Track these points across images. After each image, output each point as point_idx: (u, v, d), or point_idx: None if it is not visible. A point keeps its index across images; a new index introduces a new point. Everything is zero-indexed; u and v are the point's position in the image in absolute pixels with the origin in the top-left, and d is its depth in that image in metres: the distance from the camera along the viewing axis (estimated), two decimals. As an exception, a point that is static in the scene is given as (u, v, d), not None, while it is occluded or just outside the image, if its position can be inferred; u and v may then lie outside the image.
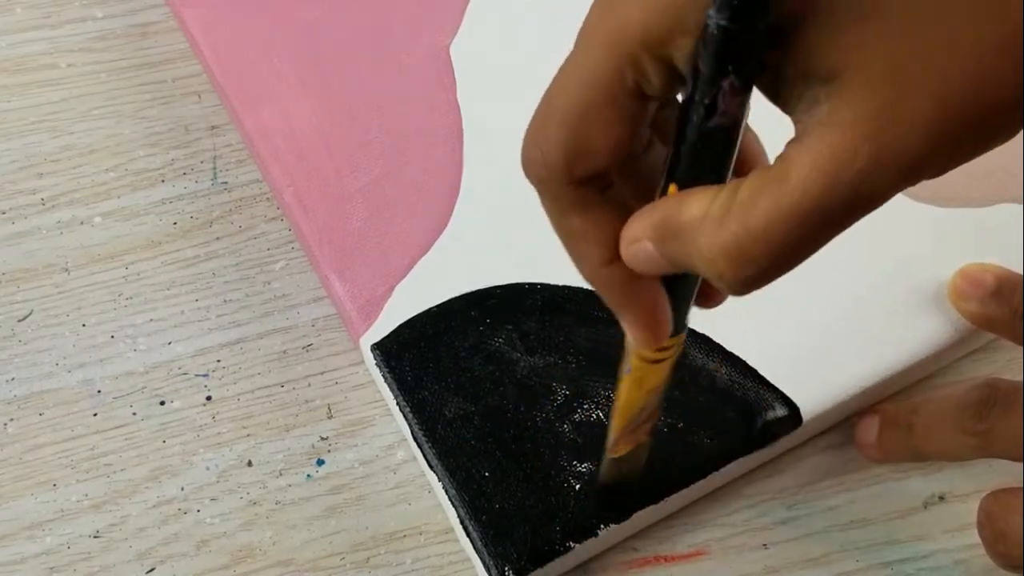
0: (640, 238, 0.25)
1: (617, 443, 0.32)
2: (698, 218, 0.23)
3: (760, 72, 0.23)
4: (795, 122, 0.23)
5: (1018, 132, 0.23)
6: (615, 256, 0.26)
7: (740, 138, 0.24)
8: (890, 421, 0.37)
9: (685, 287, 0.27)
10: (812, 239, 0.22)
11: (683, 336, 0.29)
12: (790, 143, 0.23)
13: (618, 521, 0.35)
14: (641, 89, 0.24)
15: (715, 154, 0.24)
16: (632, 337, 0.28)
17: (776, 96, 0.24)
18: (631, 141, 0.25)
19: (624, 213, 0.26)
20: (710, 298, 0.28)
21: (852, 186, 0.21)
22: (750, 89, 0.23)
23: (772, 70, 0.23)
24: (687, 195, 0.24)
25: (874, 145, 0.21)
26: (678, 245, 0.24)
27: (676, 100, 0.25)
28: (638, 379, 0.30)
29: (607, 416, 0.36)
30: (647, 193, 0.26)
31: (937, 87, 0.21)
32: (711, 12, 0.21)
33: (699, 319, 0.38)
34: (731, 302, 0.39)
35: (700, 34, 0.22)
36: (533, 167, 0.26)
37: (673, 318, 0.28)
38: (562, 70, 0.25)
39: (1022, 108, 0.22)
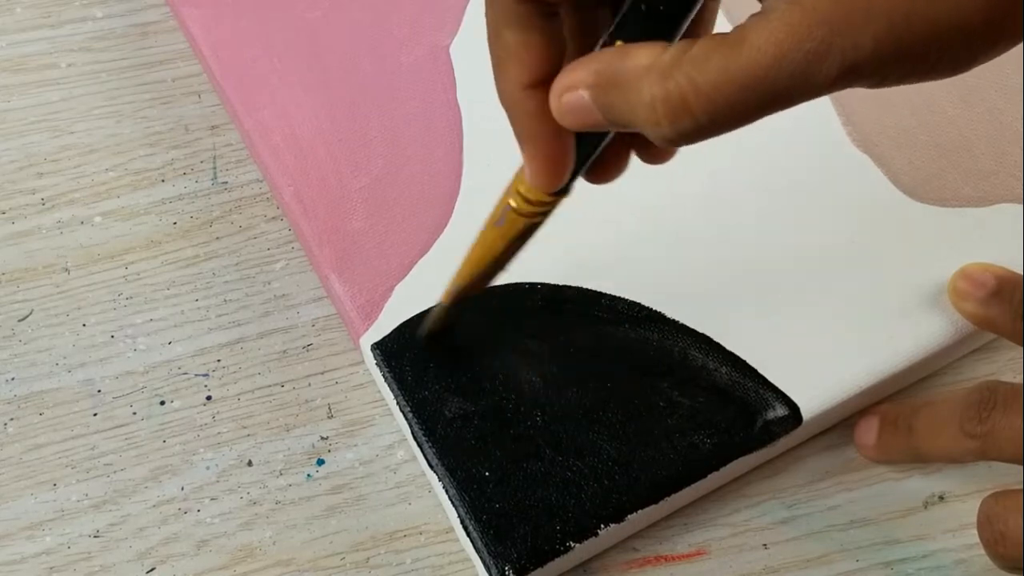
0: (576, 86, 0.26)
1: (458, 292, 0.34)
2: (644, 67, 0.24)
3: None
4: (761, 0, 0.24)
5: (965, 70, 0.24)
6: (535, 82, 0.27)
7: (696, 5, 0.25)
8: (890, 422, 0.37)
9: (589, 147, 0.28)
10: (752, 107, 0.23)
11: (561, 199, 0.30)
12: (752, 16, 0.24)
13: (618, 521, 0.35)
14: None
15: (669, 15, 0.25)
16: (529, 173, 0.29)
17: None
18: None
19: (558, 47, 0.27)
20: (653, 153, 0.29)
21: (798, 64, 0.23)
22: None
23: None
24: (633, 47, 0.25)
25: (827, 30, 0.22)
26: (618, 94, 0.25)
27: None
28: (504, 231, 0.31)
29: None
30: (587, 48, 0.27)
31: None
32: None
33: (699, 319, 0.38)
34: (731, 302, 0.39)
35: None
36: None
37: (568, 180, 0.29)
38: None
39: (977, 42, 0.23)
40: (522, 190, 0.30)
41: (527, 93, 0.28)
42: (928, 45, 0.23)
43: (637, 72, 0.24)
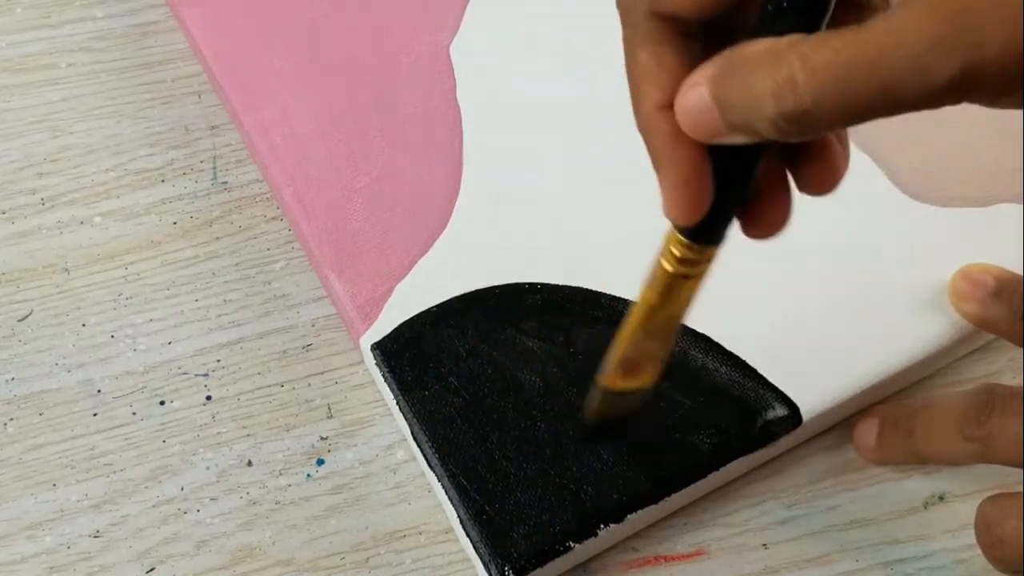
0: (698, 82, 0.25)
1: (614, 370, 0.31)
2: (760, 51, 0.24)
3: None
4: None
5: None
6: (669, 102, 0.26)
7: (827, 15, 0.24)
8: (890, 424, 0.37)
9: (732, 182, 0.27)
10: (862, 96, 0.23)
11: (716, 251, 0.28)
12: (878, 14, 0.23)
13: (618, 521, 0.35)
14: None
15: (796, 19, 0.24)
16: (666, 202, 0.27)
17: None
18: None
19: (695, 67, 0.26)
20: (761, 225, 0.28)
21: (917, 54, 0.22)
22: None
23: None
24: (755, 39, 0.24)
25: (951, 26, 0.22)
26: (732, 83, 0.24)
27: None
28: (660, 291, 0.29)
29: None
30: None
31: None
32: None
33: (699, 319, 0.38)
34: (731, 302, 0.39)
35: None
36: None
37: (712, 223, 0.27)
38: None
39: None
40: (671, 247, 0.28)
41: (662, 114, 0.27)
42: None
43: (752, 56, 0.24)
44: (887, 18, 0.22)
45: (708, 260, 0.28)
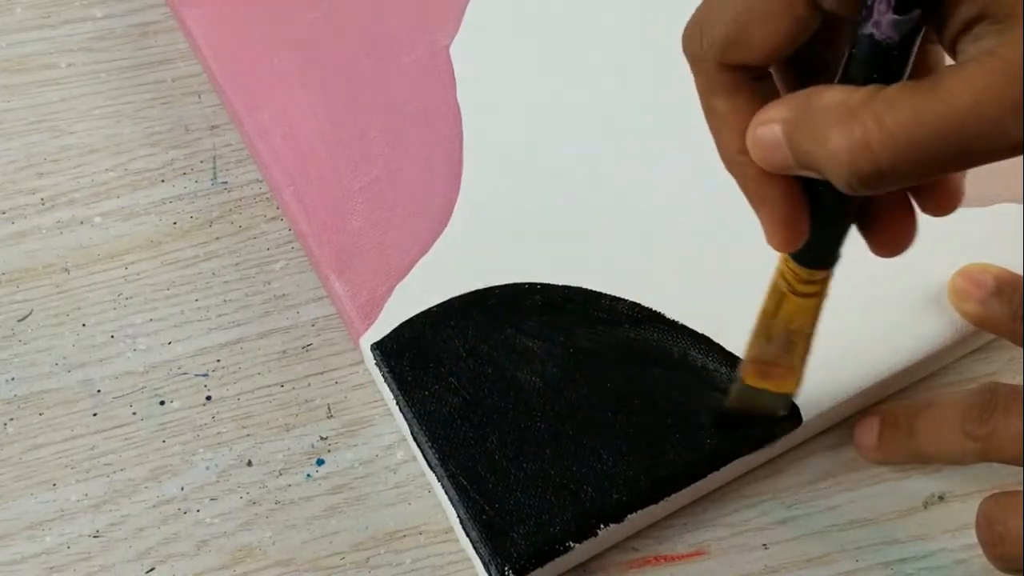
0: (773, 120, 0.25)
1: (748, 367, 0.33)
2: (834, 104, 0.24)
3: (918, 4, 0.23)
4: (957, 54, 0.23)
5: None
6: None
7: (907, 68, 0.24)
8: (891, 424, 0.37)
9: (828, 206, 0.27)
10: (938, 157, 0.22)
11: (829, 273, 0.29)
12: (947, 67, 0.23)
13: (618, 521, 0.35)
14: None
15: (871, 69, 0.24)
16: (767, 235, 0.28)
17: (941, 32, 0.24)
18: (791, 44, 0.25)
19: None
20: (886, 244, 0.28)
21: (996, 116, 0.22)
22: (908, 11, 0.23)
23: (943, 6, 0.23)
24: (830, 86, 0.24)
25: None
26: (806, 131, 0.24)
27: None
28: (774, 301, 0.30)
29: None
30: None
31: None
32: None
33: (699, 319, 0.38)
34: (731, 302, 0.39)
35: None
36: (690, 43, 0.27)
37: (816, 248, 0.28)
38: None
39: None
40: (786, 263, 0.30)
41: (747, 158, 0.27)
42: None
43: (827, 108, 0.24)
44: (960, 74, 0.22)
45: (822, 281, 0.29)
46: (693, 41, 0.27)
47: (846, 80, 0.25)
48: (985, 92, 0.22)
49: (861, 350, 0.37)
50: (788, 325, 0.31)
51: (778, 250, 0.28)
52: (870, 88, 0.23)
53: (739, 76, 0.26)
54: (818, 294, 0.30)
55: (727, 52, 0.26)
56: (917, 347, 0.38)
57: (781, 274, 0.30)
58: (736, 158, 0.27)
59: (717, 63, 0.26)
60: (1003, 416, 0.32)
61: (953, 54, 0.24)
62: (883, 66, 0.24)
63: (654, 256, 0.39)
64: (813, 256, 0.29)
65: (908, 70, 0.24)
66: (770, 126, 0.25)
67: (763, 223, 0.28)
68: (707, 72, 0.27)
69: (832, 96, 0.24)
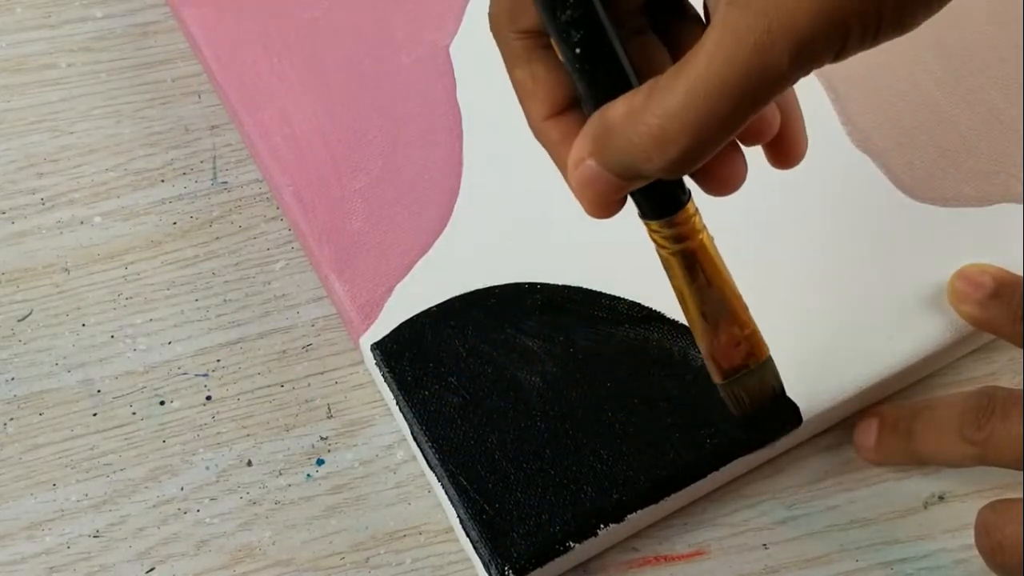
0: (582, 156, 0.27)
1: (714, 367, 0.33)
2: (624, 114, 0.25)
3: None
4: (709, 12, 0.25)
5: (915, 26, 0.24)
6: (553, 113, 0.28)
7: (616, 47, 0.26)
8: (889, 425, 0.37)
9: None
10: (726, 116, 0.24)
11: (689, 211, 0.29)
12: (704, 34, 0.24)
13: (618, 521, 0.35)
14: None
15: (602, 60, 0.26)
16: (583, 206, 0.29)
17: None
18: None
19: (567, 76, 0.28)
20: (717, 186, 0.29)
21: (749, 61, 0.23)
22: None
23: None
24: (612, 102, 0.26)
25: (765, 20, 0.23)
26: (614, 150, 0.26)
27: None
28: (674, 274, 0.31)
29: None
30: None
31: None
32: None
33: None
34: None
35: None
36: (492, 20, 0.29)
37: (659, 191, 0.29)
38: None
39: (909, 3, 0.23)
40: (651, 232, 0.30)
41: (550, 124, 0.29)
42: (866, 4, 0.23)
43: (620, 121, 0.25)
44: (710, 34, 0.24)
45: (687, 221, 0.30)
46: (492, 15, 0.29)
47: (595, 95, 0.27)
48: (731, 44, 0.23)
49: (861, 350, 0.37)
50: (702, 286, 0.31)
51: (594, 217, 0.29)
52: (646, 85, 0.25)
53: (532, 43, 0.28)
54: (695, 235, 0.30)
55: (515, 17, 0.28)
56: (916, 348, 0.38)
57: (656, 245, 0.30)
58: (540, 125, 0.29)
59: (510, 30, 0.28)
60: (1001, 420, 0.32)
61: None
62: (593, 67, 0.26)
63: (654, 256, 0.39)
64: (662, 203, 0.29)
65: (619, 45, 0.26)
66: (582, 164, 0.27)
67: (574, 192, 0.28)
68: (505, 43, 0.28)
69: (617, 109, 0.25)
